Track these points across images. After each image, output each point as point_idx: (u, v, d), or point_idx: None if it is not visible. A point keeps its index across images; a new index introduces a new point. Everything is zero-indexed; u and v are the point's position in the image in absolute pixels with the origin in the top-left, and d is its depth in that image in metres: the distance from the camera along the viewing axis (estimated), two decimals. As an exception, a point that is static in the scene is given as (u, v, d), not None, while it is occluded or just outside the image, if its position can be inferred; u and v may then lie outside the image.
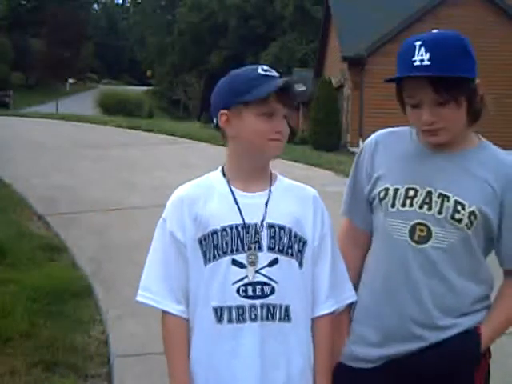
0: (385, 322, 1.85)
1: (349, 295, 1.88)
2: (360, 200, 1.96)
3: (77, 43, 56.50)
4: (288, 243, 1.76)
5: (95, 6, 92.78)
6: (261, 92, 1.70)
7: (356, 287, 1.93)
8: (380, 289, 1.86)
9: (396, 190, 1.82)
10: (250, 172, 1.80)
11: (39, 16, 58.44)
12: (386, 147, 1.91)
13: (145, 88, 62.45)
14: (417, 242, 1.79)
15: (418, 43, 1.72)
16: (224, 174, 1.82)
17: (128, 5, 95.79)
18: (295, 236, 1.77)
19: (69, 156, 11.23)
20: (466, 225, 1.76)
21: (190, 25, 55.01)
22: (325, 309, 1.82)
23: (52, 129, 15.72)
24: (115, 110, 25.15)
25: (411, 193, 1.80)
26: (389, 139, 1.93)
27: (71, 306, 4.60)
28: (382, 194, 1.84)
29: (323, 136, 20.62)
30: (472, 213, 1.76)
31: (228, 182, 1.80)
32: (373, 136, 1.97)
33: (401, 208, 1.81)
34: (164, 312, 1.76)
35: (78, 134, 14.69)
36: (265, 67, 1.78)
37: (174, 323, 1.75)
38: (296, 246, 1.77)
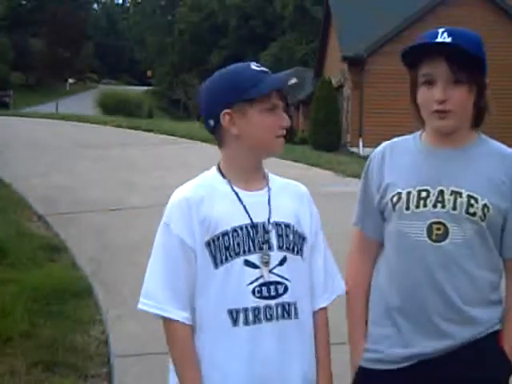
0: (410, 320, 1.87)
1: (340, 287, 1.89)
2: (371, 210, 1.98)
3: (77, 43, 56.51)
4: (293, 241, 1.77)
5: (95, 5, 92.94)
6: (266, 87, 1.72)
7: (368, 295, 1.98)
8: (401, 289, 1.88)
9: (408, 193, 1.86)
10: (252, 171, 1.80)
11: (39, 16, 58.44)
12: (393, 155, 1.95)
13: (145, 88, 62.47)
14: (435, 241, 1.82)
15: (441, 30, 1.81)
16: (222, 175, 1.80)
17: (128, 5, 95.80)
18: (297, 233, 1.78)
19: (69, 156, 11.24)
20: (480, 217, 1.80)
21: (189, 25, 55.02)
22: (322, 302, 1.84)
23: (52, 129, 15.72)
24: (115, 109, 25.17)
25: (424, 194, 1.84)
26: (394, 148, 1.98)
27: (71, 306, 4.60)
28: (394, 199, 1.87)
29: (323, 136, 20.62)
30: (485, 205, 1.81)
31: (229, 182, 1.78)
32: (379, 148, 2.01)
33: (415, 210, 1.84)
34: (170, 320, 1.70)
35: (78, 134, 14.70)
36: (256, 64, 1.79)
37: (182, 331, 1.70)
38: (298, 243, 1.78)
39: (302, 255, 1.78)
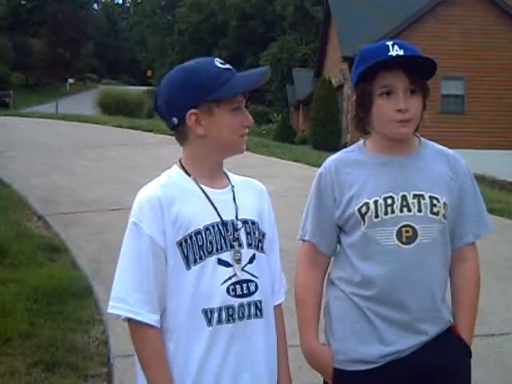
0: (386, 321, 1.91)
1: (284, 284, 1.92)
2: (326, 226, 2.02)
3: (77, 43, 56.46)
4: (258, 238, 1.78)
5: (95, 5, 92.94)
6: (237, 87, 1.71)
7: (319, 305, 2.04)
8: (377, 294, 1.91)
9: (376, 202, 1.92)
10: (216, 169, 1.80)
11: (39, 16, 58.44)
12: (347, 169, 2.00)
13: (145, 88, 62.42)
14: (405, 243, 1.90)
15: (389, 43, 1.89)
16: (186, 172, 1.77)
17: (128, 5, 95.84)
18: (259, 230, 1.79)
19: (69, 156, 11.23)
20: (443, 215, 1.92)
21: (189, 25, 55.00)
22: (280, 298, 1.88)
23: (52, 129, 15.71)
24: (115, 109, 25.13)
25: (389, 201, 1.92)
26: (345, 161, 2.02)
27: (71, 306, 4.60)
28: (363, 210, 1.92)
29: (323, 136, 20.65)
30: (445, 204, 1.92)
31: (195, 180, 1.76)
32: (327, 163, 2.05)
33: (384, 216, 1.91)
34: (140, 323, 1.67)
35: (78, 134, 14.68)
36: (220, 60, 1.76)
37: (154, 335, 1.68)
38: (262, 240, 1.79)
39: (264, 252, 1.79)
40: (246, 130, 1.76)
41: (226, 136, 1.73)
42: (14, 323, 4.10)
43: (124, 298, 1.68)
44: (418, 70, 1.87)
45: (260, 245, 1.77)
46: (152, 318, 1.67)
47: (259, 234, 1.78)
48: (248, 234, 1.74)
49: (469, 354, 1.99)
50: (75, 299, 4.73)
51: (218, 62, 1.74)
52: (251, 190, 1.86)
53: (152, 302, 1.68)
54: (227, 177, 1.84)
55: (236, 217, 1.74)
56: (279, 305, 1.88)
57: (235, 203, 1.76)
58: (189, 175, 1.76)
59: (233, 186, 1.80)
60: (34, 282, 4.78)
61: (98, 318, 4.47)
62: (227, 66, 1.75)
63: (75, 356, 3.84)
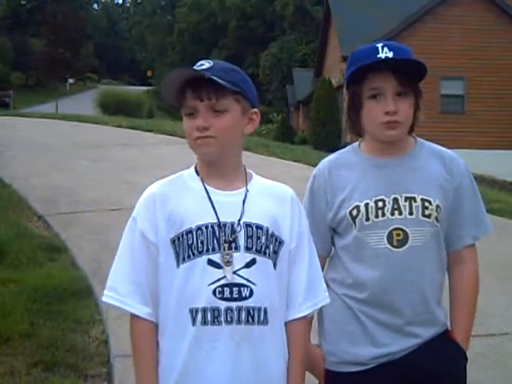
0: (378, 323, 1.91)
1: (323, 297, 1.81)
2: (320, 228, 2.02)
3: (77, 43, 56.39)
4: (265, 243, 1.70)
5: (95, 5, 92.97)
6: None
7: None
8: (369, 296, 1.91)
9: (366, 205, 1.92)
10: (217, 170, 1.75)
11: (39, 16, 58.44)
12: (340, 171, 2.00)
13: (145, 88, 62.42)
14: (396, 247, 1.89)
15: (379, 45, 1.87)
16: (197, 173, 1.78)
17: (128, 5, 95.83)
18: (272, 236, 1.72)
19: (69, 156, 11.22)
20: (436, 218, 1.90)
21: (189, 25, 55.01)
22: (301, 312, 1.76)
23: (52, 129, 15.71)
24: (115, 109, 25.15)
25: (380, 204, 1.91)
26: (339, 163, 2.03)
27: (71, 306, 4.60)
28: (354, 212, 1.92)
29: (323, 136, 20.66)
30: (437, 206, 1.90)
31: (202, 180, 1.75)
32: (321, 165, 2.06)
33: (375, 220, 1.91)
34: (131, 315, 1.71)
35: (78, 134, 14.67)
36: (204, 62, 1.72)
37: (141, 327, 1.70)
38: (272, 247, 1.71)
39: (275, 259, 1.71)
40: (200, 134, 1.68)
41: (187, 140, 1.74)
42: (14, 323, 4.09)
43: (116, 288, 1.72)
44: (408, 72, 1.85)
45: (267, 251, 1.70)
46: (142, 310, 1.69)
47: (268, 239, 1.70)
48: (249, 237, 1.68)
49: (464, 358, 1.97)
50: (75, 299, 4.73)
51: (196, 66, 1.72)
52: (272, 195, 1.78)
53: (144, 294, 1.69)
54: (249, 179, 1.79)
55: (239, 220, 1.69)
56: (301, 319, 1.76)
57: (243, 206, 1.71)
58: (198, 175, 1.77)
59: (247, 190, 1.75)
60: (34, 282, 4.77)
61: (97, 318, 4.47)
62: (203, 66, 1.70)
63: (75, 356, 3.84)
